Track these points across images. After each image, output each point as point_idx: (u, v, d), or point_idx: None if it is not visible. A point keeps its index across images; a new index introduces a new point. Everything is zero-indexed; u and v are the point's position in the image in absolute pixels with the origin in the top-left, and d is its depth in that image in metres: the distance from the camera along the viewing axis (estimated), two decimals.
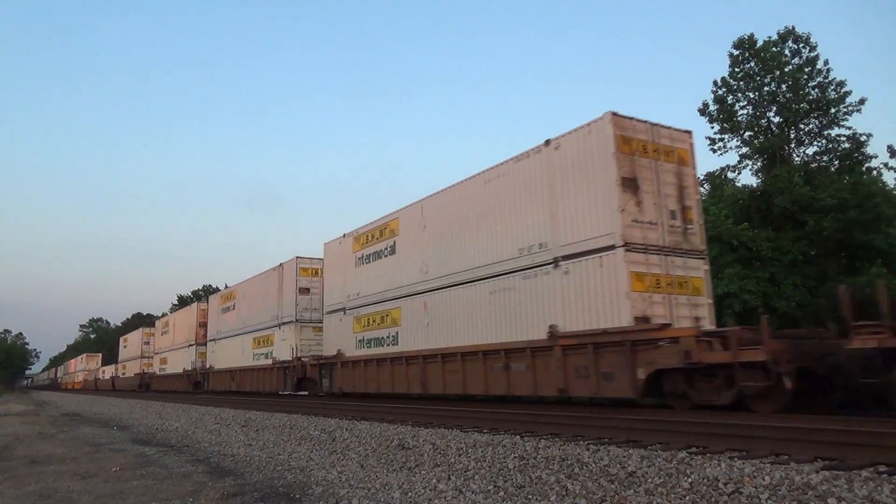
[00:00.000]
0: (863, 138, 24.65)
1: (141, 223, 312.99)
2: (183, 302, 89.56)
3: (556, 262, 11.99)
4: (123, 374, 55.80)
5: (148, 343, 48.70)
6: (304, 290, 23.99)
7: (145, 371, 47.02)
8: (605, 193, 11.18)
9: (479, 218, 14.22)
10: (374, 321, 18.17)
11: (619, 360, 10.52)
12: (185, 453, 10.12)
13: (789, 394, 8.52)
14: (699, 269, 11.78)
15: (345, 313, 19.84)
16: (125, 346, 57.41)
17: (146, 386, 45.70)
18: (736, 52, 26.83)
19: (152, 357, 45.86)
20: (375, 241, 18.44)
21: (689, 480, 5.23)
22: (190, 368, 34.50)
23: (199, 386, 33.40)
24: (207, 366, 31.91)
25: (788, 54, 25.89)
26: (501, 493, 5.77)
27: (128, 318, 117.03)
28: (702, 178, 29.55)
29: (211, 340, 32.88)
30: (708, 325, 11.25)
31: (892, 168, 21.37)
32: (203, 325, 33.71)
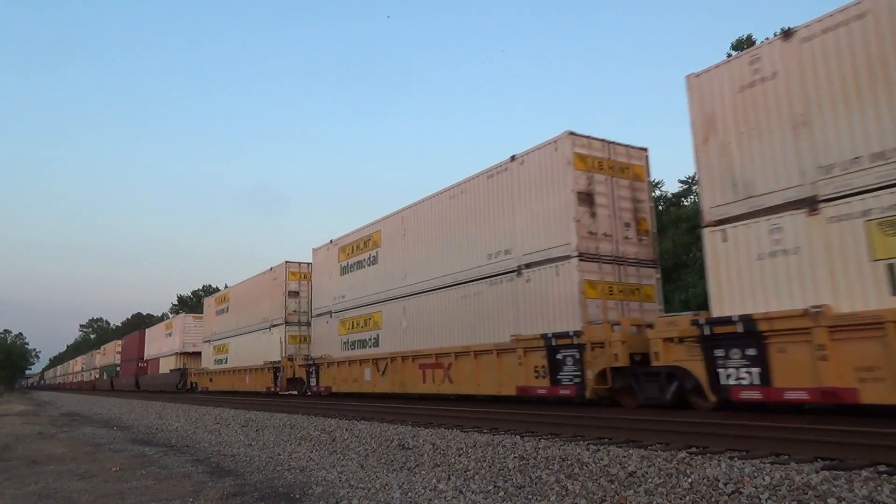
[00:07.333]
0: None
1: (141, 223, 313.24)
2: (183, 302, 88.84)
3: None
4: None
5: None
6: (293, 294, 24.39)
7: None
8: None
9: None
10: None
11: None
12: (185, 453, 10.12)
13: None
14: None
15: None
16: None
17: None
18: (735, 53, 26.85)
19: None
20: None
21: (689, 480, 5.23)
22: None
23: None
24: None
25: None
26: (501, 493, 5.77)
27: (128, 318, 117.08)
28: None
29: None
30: None
31: None
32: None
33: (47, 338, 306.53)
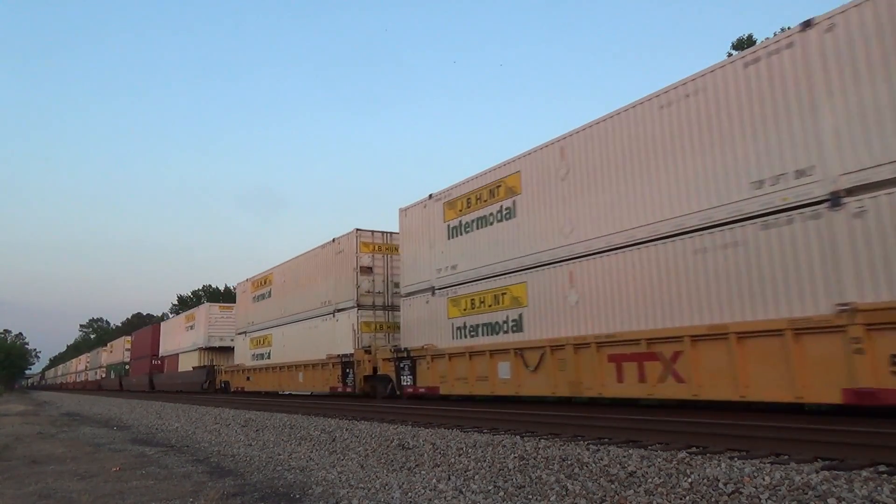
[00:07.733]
0: None
1: (141, 223, 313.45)
2: (183, 302, 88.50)
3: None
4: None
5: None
6: (366, 270, 19.69)
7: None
8: None
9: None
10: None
11: None
12: (185, 453, 10.12)
13: None
14: None
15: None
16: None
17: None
18: (735, 53, 26.87)
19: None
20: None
21: (689, 480, 5.22)
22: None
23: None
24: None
25: None
26: (501, 493, 5.77)
27: (128, 318, 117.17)
28: None
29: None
30: None
31: None
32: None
33: (47, 338, 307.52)
